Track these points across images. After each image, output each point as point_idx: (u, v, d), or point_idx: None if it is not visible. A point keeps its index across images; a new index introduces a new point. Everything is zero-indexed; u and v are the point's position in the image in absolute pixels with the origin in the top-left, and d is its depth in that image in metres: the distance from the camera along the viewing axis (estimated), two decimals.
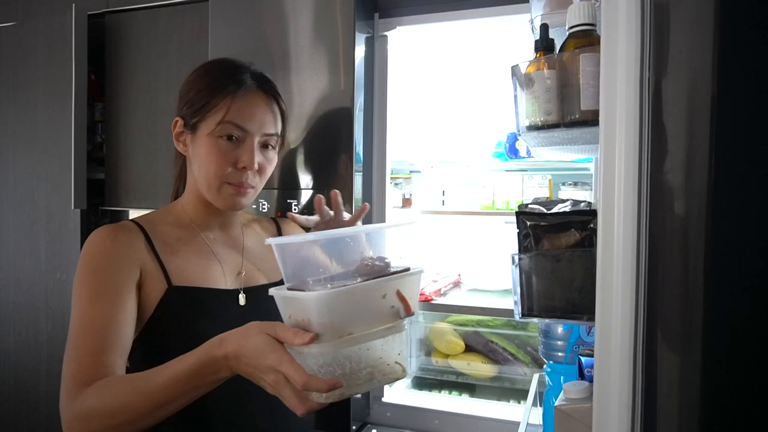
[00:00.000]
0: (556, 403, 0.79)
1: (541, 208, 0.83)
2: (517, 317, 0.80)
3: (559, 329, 1.04)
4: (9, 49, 1.95)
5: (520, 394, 1.62)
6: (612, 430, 0.70)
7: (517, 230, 0.80)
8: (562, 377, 1.06)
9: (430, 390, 1.70)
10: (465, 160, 1.88)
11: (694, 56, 0.68)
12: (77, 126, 1.78)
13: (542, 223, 0.78)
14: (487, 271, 1.83)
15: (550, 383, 1.08)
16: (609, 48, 0.70)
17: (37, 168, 1.89)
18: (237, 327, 0.72)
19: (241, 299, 0.95)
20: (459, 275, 2.00)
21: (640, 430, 0.68)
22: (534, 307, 0.78)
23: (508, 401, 1.60)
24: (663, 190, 0.67)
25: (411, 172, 2.11)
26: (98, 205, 1.91)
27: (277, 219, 1.18)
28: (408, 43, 1.59)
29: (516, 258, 0.79)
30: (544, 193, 1.80)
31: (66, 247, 1.83)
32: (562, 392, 0.82)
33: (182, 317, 0.88)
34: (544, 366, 1.10)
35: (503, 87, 1.91)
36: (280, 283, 0.73)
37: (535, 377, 1.23)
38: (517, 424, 1.43)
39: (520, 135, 0.81)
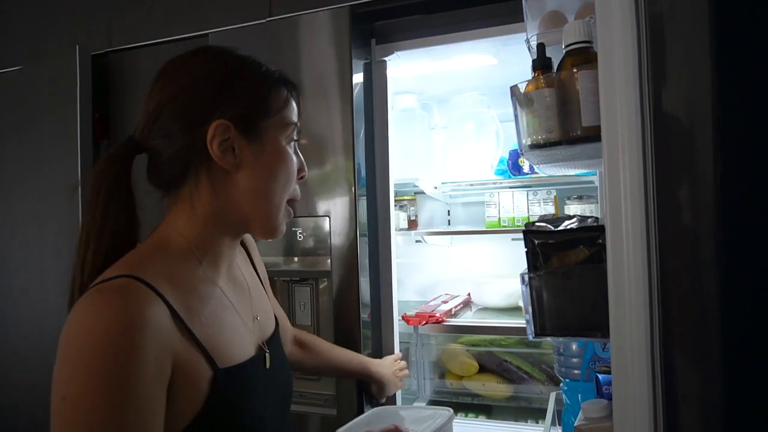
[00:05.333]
0: (576, 424, 0.77)
1: (548, 226, 0.83)
2: (530, 337, 0.80)
3: (574, 346, 1.03)
4: (15, 91, 1.99)
5: (537, 414, 1.59)
6: None
7: (525, 249, 0.79)
8: (579, 395, 1.04)
9: None
10: (468, 178, 1.88)
11: (692, 66, 0.68)
12: (83, 164, 1.80)
13: (550, 241, 0.77)
14: (496, 290, 1.82)
15: (568, 401, 1.06)
16: (606, 64, 0.70)
17: (44, 207, 1.90)
18: (268, 392, 0.78)
19: (267, 360, 0.81)
20: (469, 294, 1.99)
21: None
22: (547, 325, 0.78)
23: (526, 421, 1.58)
24: (670, 202, 0.67)
25: (415, 193, 2.12)
26: None
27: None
28: (408, 65, 1.61)
29: (526, 277, 0.79)
30: (549, 209, 1.79)
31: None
32: (581, 411, 0.80)
33: (235, 404, 0.70)
34: (561, 384, 1.09)
35: (503, 105, 1.92)
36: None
37: (552, 396, 1.21)
38: None
39: (523, 154, 0.81)
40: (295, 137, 0.78)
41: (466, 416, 1.64)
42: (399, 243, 2.17)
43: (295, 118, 0.77)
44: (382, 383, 1.33)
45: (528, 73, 0.95)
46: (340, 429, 0.95)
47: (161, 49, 1.83)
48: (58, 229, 1.86)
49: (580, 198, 1.74)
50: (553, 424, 1.14)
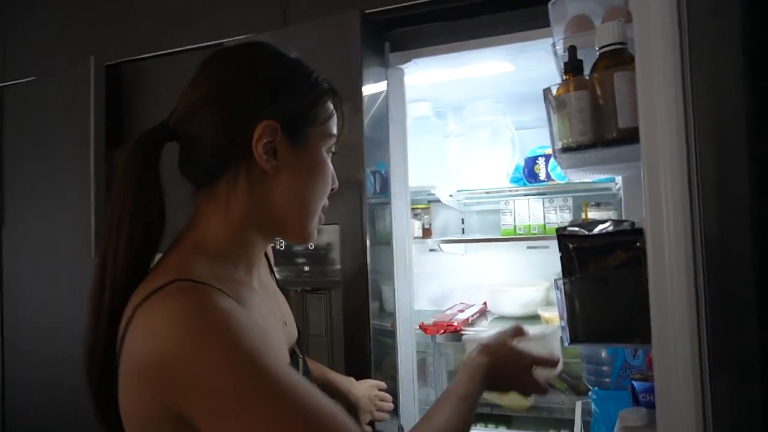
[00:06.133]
0: None
1: (581, 231, 0.82)
2: (565, 343, 0.78)
3: (603, 354, 1.01)
4: (30, 102, 2.00)
5: (558, 424, 1.57)
6: None
7: (560, 254, 0.78)
8: (610, 404, 1.02)
9: None
10: (484, 186, 1.87)
11: (732, 65, 0.67)
12: (96, 174, 1.80)
13: (586, 245, 0.76)
14: (513, 298, 1.80)
15: (597, 410, 1.04)
16: (645, 64, 0.69)
17: (57, 217, 1.90)
18: None
19: (301, 365, 0.80)
20: (484, 303, 1.97)
21: None
22: (582, 332, 0.76)
23: (548, 431, 1.55)
24: (716, 204, 0.65)
25: (429, 201, 2.10)
26: None
27: None
28: (424, 73, 1.60)
29: (560, 283, 0.77)
30: (566, 216, 1.78)
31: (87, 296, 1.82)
32: (618, 420, 0.78)
33: None
34: (589, 393, 1.07)
35: (518, 112, 1.92)
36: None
37: (578, 405, 1.19)
38: None
39: (555, 157, 0.80)
40: (333, 150, 0.77)
41: (486, 426, 1.61)
42: (413, 251, 2.16)
43: (336, 131, 0.75)
44: (351, 404, 1.10)
45: (546, 79, 0.93)
46: None
47: (175, 59, 1.83)
48: (71, 239, 1.85)
49: (597, 205, 1.72)
50: None
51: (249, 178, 0.68)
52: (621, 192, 1.73)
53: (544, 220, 1.81)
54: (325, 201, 0.76)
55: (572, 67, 0.83)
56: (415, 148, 1.96)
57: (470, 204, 2.07)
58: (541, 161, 1.79)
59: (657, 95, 0.68)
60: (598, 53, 0.79)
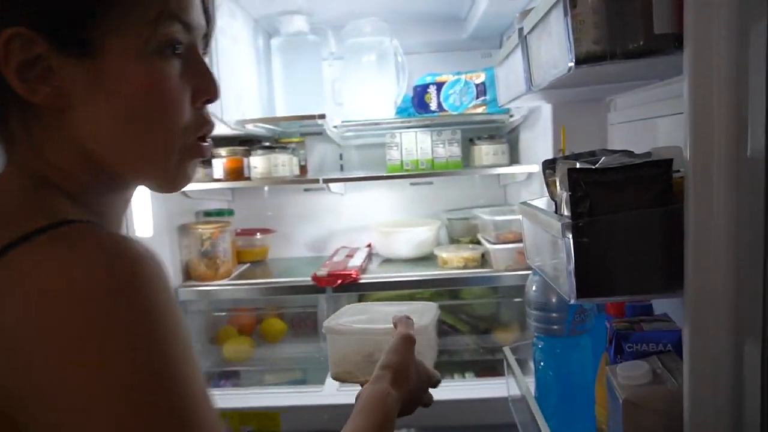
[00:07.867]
0: (625, 396, 0.66)
1: (578, 164, 0.68)
2: (571, 300, 0.65)
3: (554, 299, 0.93)
4: None
5: (463, 366, 1.52)
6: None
7: (569, 192, 0.63)
8: (558, 350, 0.96)
9: None
10: (368, 117, 1.66)
11: None
12: None
13: (603, 180, 0.62)
14: (405, 239, 1.68)
15: (542, 356, 0.98)
16: None
17: None
18: None
19: None
20: (369, 245, 1.82)
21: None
22: (594, 285, 0.64)
23: (453, 376, 1.49)
24: None
25: (302, 134, 1.85)
26: None
27: None
28: None
29: (569, 227, 0.63)
30: (454, 150, 1.67)
31: None
32: (615, 377, 0.69)
33: None
34: (534, 339, 0.99)
35: (405, 33, 1.72)
36: None
37: (507, 350, 1.12)
38: (471, 400, 1.34)
39: (569, 71, 0.64)
40: (178, 40, 0.47)
41: None
42: (285, 192, 1.90)
43: (173, 9, 0.46)
44: None
45: None
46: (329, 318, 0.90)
47: None
48: None
49: (490, 138, 1.65)
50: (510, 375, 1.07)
51: (27, 122, 0.45)
52: (514, 123, 1.68)
53: (432, 154, 1.68)
54: (200, 124, 0.50)
55: None
56: (287, 69, 1.68)
57: (350, 137, 1.85)
58: (432, 90, 1.64)
59: None
60: None
